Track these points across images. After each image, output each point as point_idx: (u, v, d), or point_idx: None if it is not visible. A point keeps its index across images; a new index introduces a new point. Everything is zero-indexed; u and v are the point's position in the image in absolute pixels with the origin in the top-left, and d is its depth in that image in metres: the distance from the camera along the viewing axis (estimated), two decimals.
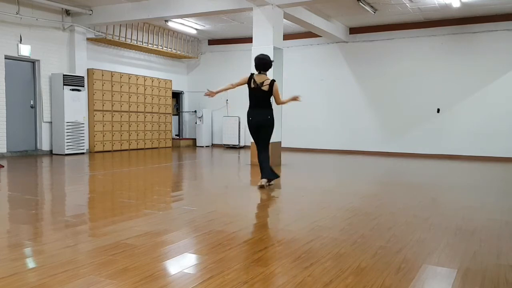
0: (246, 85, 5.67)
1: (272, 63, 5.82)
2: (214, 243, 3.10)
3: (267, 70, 5.61)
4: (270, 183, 5.70)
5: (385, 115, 11.42)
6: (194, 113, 14.03)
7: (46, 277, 2.39)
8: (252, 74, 5.63)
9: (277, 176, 5.79)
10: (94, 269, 2.52)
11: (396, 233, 3.45)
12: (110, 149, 11.16)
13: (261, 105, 5.61)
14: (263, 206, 4.77)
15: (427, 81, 10.87)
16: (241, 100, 13.00)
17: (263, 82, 5.53)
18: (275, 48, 8.25)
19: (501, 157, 10.13)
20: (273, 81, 5.59)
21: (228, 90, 5.83)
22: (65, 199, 4.96)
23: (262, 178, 5.62)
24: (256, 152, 5.89)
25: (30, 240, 3.15)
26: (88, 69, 10.69)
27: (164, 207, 4.41)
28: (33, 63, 9.84)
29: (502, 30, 10.07)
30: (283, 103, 5.84)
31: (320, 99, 12.12)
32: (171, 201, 4.81)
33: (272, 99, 5.70)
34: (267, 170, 5.64)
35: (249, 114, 5.67)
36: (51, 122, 10.11)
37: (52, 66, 10.06)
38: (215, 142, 13.88)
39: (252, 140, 6.10)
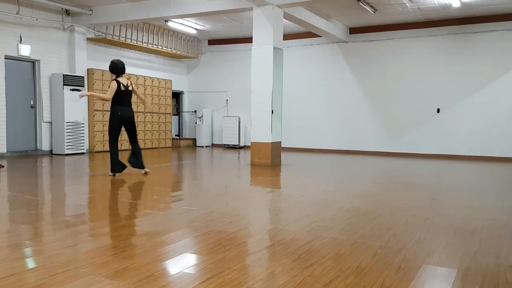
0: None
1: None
2: (214, 243, 3.10)
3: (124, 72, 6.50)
4: (116, 174, 6.59)
5: (385, 115, 11.42)
6: (194, 113, 14.03)
7: (46, 277, 2.39)
8: (115, 79, 6.31)
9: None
10: (94, 269, 2.53)
11: (396, 233, 3.46)
12: None
13: (129, 103, 6.49)
14: (263, 206, 4.77)
15: (427, 81, 10.87)
16: (241, 100, 13.12)
17: (128, 84, 6.42)
18: (275, 48, 8.25)
19: (501, 157, 10.13)
20: (129, 80, 6.55)
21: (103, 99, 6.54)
22: (65, 199, 4.96)
23: (142, 167, 6.75)
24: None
25: (30, 240, 3.15)
26: (88, 69, 10.69)
27: (164, 207, 4.41)
28: (33, 63, 9.84)
29: (502, 30, 10.07)
30: (143, 97, 6.88)
31: (320, 99, 12.13)
32: (171, 201, 4.81)
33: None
34: (142, 159, 6.79)
35: (119, 110, 6.37)
36: (51, 122, 10.11)
37: (52, 66, 10.06)
38: (215, 142, 13.88)
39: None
